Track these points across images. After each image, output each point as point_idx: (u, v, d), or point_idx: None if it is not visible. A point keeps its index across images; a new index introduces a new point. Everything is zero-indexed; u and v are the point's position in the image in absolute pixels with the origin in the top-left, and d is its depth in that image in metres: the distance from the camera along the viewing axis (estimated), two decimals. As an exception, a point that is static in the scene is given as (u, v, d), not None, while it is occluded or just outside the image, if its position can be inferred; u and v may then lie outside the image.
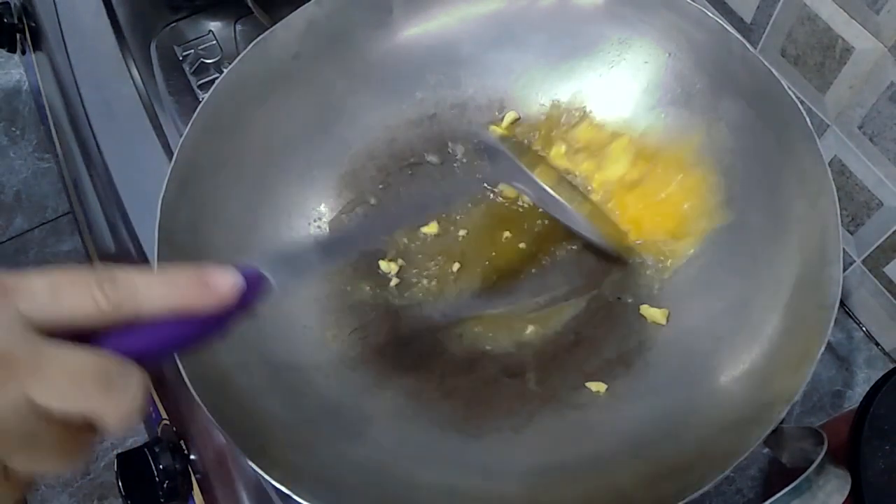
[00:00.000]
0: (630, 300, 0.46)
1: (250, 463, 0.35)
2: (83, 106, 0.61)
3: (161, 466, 0.45)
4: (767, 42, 0.50)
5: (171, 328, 0.26)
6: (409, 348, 0.46)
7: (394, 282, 0.48)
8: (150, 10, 0.64)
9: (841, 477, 0.33)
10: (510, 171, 0.46)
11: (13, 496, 0.25)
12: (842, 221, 0.39)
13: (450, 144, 0.52)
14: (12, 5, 0.73)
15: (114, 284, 0.25)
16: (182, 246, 0.42)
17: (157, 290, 0.26)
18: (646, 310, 0.45)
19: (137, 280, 0.26)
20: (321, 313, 0.46)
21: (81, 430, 0.24)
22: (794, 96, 0.41)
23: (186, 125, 0.44)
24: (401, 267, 0.48)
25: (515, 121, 0.51)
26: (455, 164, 0.51)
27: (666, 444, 0.39)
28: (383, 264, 0.48)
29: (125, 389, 0.24)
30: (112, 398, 0.24)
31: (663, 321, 0.44)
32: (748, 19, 0.51)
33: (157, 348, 0.26)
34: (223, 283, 0.27)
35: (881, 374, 0.38)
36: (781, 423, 0.34)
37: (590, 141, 0.50)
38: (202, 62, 0.61)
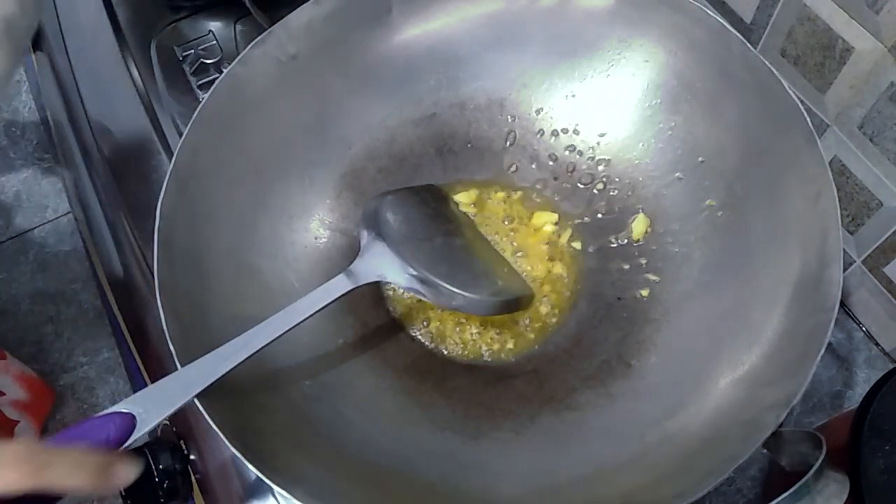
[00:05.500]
0: (630, 300, 0.46)
1: (249, 465, 0.35)
2: (83, 106, 0.61)
3: (161, 466, 0.45)
4: (767, 42, 0.50)
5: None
6: (409, 349, 0.46)
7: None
8: (150, 10, 0.64)
9: (839, 482, 0.33)
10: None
11: None
12: (842, 221, 0.39)
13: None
14: (12, 5, 0.72)
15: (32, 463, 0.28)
16: (181, 247, 0.42)
17: (66, 471, 0.29)
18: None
19: (54, 458, 0.29)
20: (321, 316, 0.46)
21: None
22: (794, 96, 0.41)
23: (186, 125, 0.44)
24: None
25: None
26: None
27: (666, 446, 0.39)
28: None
29: None
30: None
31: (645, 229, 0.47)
32: (748, 19, 0.51)
33: None
34: (124, 472, 0.31)
35: (881, 374, 0.38)
36: (781, 424, 0.34)
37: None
38: (202, 62, 0.61)
